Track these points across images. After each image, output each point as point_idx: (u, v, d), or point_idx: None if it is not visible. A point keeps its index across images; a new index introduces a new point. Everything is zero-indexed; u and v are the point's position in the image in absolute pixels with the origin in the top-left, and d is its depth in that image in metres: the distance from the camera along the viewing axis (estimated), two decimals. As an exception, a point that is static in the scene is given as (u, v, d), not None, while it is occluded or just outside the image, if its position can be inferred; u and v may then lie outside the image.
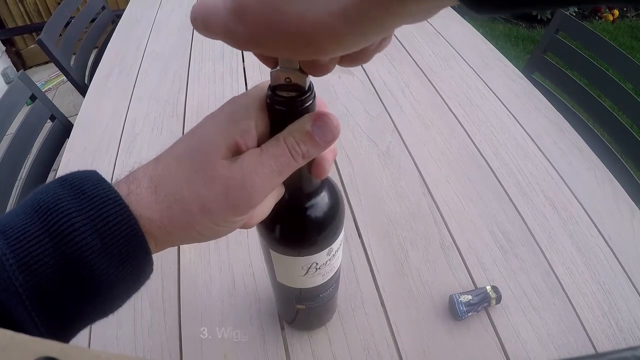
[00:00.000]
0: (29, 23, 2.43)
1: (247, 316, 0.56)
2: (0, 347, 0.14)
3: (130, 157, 0.81)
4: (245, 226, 0.26)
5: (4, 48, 2.38)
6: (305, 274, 0.37)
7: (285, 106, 0.23)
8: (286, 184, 0.29)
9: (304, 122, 0.23)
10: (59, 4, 1.43)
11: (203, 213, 0.22)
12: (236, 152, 0.23)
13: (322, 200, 0.32)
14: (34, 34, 2.42)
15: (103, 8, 1.51)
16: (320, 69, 0.21)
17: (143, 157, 0.81)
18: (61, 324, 0.21)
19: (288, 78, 0.22)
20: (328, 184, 0.33)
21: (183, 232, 0.23)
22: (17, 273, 0.19)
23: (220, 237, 0.25)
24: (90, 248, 0.20)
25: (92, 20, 1.46)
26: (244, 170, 0.22)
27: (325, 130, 0.23)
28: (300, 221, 0.33)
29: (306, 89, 0.23)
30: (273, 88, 0.23)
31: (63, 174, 0.22)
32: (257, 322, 0.55)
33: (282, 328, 0.55)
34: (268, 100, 0.24)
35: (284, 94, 0.23)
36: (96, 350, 0.14)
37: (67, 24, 1.36)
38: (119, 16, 1.36)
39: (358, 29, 0.15)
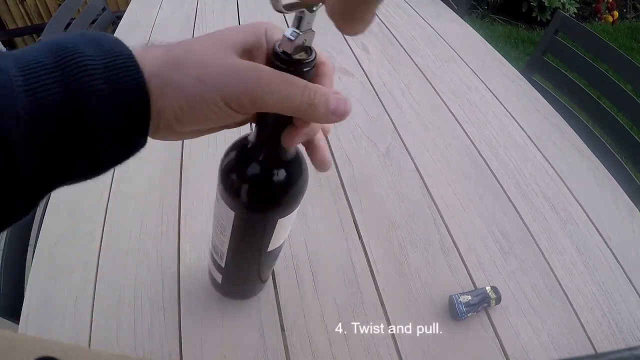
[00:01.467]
0: (29, 24, 2.43)
1: (247, 316, 0.56)
2: (0, 347, 0.14)
3: (131, 158, 0.81)
4: (228, 125, 0.27)
5: (4, 49, 2.38)
6: (292, 222, 0.39)
7: (303, 66, 0.24)
8: (271, 153, 0.31)
9: (328, 85, 0.25)
10: (60, 5, 1.44)
11: (198, 81, 0.22)
12: (248, 57, 0.24)
13: (294, 154, 0.33)
14: (34, 35, 2.43)
15: (103, 9, 1.51)
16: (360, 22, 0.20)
17: (143, 159, 0.81)
18: (46, 162, 0.21)
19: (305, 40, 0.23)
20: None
21: (176, 95, 0.23)
22: (22, 95, 0.19)
23: (204, 125, 0.25)
24: (98, 92, 0.21)
25: (93, 22, 1.47)
26: (257, 66, 0.23)
27: (340, 104, 0.24)
28: (297, 171, 0.34)
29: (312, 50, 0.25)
30: (284, 52, 0.24)
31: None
32: (257, 322, 0.56)
33: (282, 328, 0.55)
34: (276, 62, 0.24)
35: (297, 56, 0.24)
36: (96, 350, 0.14)
37: (68, 25, 1.36)
38: (120, 17, 1.36)
39: None
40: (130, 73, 0.21)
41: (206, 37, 0.24)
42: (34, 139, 0.20)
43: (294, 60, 0.24)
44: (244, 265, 0.48)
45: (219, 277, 0.51)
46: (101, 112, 0.21)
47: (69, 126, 0.20)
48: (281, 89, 0.23)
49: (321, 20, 0.22)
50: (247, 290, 0.56)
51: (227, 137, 0.35)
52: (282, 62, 0.24)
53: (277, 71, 0.23)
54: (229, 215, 0.36)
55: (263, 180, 0.33)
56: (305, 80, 0.24)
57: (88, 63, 0.21)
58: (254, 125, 0.30)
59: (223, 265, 0.46)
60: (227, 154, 0.34)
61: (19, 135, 0.19)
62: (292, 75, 0.23)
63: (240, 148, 0.33)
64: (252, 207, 0.35)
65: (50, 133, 0.20)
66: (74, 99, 0.20)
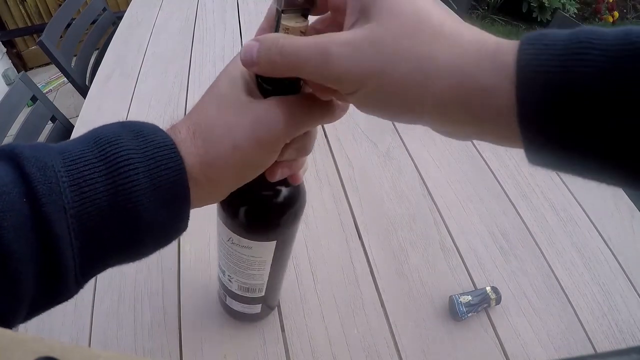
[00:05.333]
0: (29, 25, 2.43)
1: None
2: (0, 347, 0.14)
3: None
4: (270, 176, 0.28)
5: (4, 50, 2.39)
6: None
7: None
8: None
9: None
10: (60, 5, 1.44)
11: (235, 150, 0.24)
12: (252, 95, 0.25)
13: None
14: (34, 35, 2.43)
15: (104, 10, 1.51)
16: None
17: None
18: (92, 253, 0.22)
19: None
20: None
21: (220, 174, 0.24)
22: (67, 191, 0.20)
23: (250, 179, 0.26)
24: (140, 184, 0.21)
25: (93, 22, 1.47)
26: (269, 103, 0.24)
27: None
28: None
29: None
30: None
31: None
32: (257, 322, 0.56)
33: (282, 328, 0.55)
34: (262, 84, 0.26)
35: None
36: (96, 350, 0.14)
37: (68, 25, 1.36)
38: (120, 18, 1.36)
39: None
40: (172, 166, 0.22)
41: (213, 99, 0.26)
42: (79, 231, 0.21)
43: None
44: (279, 286, 0.50)
45: (253, 309, 0.51)
46: (144, 205, 0.22)
47: (113, 218, 0.21)
48: (291, 117, 0.25)
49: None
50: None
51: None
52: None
53: (282, 102, 0.25)
54: (269, 248, 0.38)
55: (292, 200, 0.35)
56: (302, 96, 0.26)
57: (131, 158, 0.21)
58: None
59: (261, 295, 0.47)
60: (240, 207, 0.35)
61: (63, 228, 0.20)
62: (307, 98, 0.26)
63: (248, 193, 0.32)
64: (293, 227, 0.38)
65: (94, 225, 0.21)
66: (117, 193, 0.21)
